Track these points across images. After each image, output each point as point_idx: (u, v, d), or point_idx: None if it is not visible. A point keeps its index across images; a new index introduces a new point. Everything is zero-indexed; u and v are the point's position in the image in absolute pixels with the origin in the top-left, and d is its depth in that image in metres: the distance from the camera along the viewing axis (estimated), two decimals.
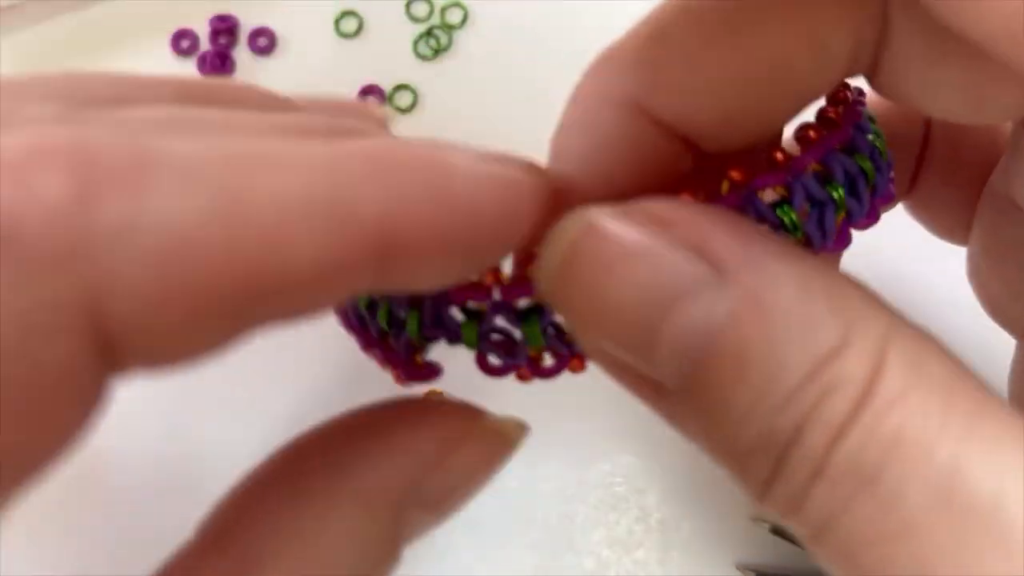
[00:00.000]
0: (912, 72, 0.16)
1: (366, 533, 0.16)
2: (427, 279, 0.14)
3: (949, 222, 0.22)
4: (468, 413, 0.18)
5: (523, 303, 0.16)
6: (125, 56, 0.31)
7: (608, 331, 0.14)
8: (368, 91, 0.31)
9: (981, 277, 0.20)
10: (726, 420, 0.13)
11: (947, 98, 0.16)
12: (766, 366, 0.13)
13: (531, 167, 0.15)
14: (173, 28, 0.31)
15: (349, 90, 0.31)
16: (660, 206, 0.14)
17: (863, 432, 0.13)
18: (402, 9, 0.31)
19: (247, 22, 0.31)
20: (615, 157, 0.17)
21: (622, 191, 0.15)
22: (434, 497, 0.17)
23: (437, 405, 0.17)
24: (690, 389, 0.13)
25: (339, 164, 0.12)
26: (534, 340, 0.16)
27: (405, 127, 0.30)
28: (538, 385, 0.30)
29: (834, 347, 0.13)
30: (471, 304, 0.16)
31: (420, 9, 0.31)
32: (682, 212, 0.14)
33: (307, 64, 0.31)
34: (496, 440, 0.18)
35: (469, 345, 0.16)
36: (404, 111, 0.30)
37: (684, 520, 0.27)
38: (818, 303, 0.13)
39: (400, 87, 0.31)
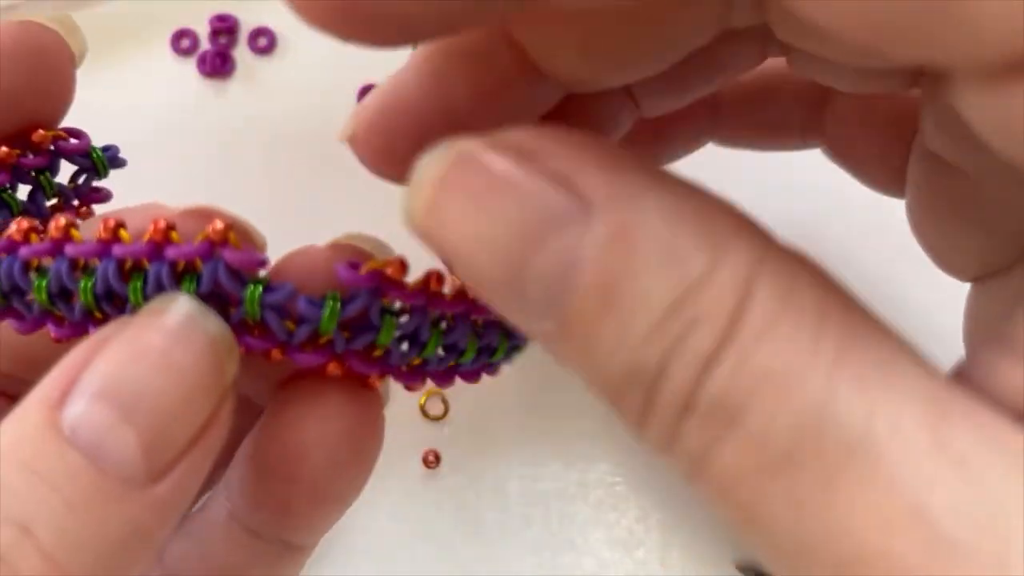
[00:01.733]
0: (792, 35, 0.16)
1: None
2: None
3: (879, 173, 0.22)
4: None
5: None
6: (125, 56, 0.31)
7: (481, 270, 0.13)
8: (368, 90, 0.31)
9: (921, 228, 0.20)
10: (597, 355, 0.13)
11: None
12: (630, 299, 0.13)
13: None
14: (173, 28, 0.31)
15: (349, 90, 0.31)
16: (529, 134, 0.13)
17: (730, 366, 0.12)
18: None
19: (247, 22, 0.31)
20: (483, 90, 0.16)
21: (489, 125, 0.14)
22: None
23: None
24: (561, 326, 0.13)
25: None
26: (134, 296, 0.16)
27: None
28: (539, 385, 0.30)
29: (698, 278, 0.13)
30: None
31: None
32: (550, 141, 0.13)
33: (307, 64, 0.31)
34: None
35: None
36: None
37: (684, 520, 0.27)
38: (686, 232, 0.13)
39: None
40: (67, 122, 0.30)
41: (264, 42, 0.31)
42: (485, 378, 0.20)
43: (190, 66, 0.31)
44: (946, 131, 0.17)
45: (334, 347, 0.17)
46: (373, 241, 0.19)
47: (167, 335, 0.15)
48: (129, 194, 0.29)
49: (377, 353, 0.17)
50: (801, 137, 0.24)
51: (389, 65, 0.32)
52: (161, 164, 0.30)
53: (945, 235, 0.20)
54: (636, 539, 0.27)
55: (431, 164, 0.14)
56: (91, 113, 0.30)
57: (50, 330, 0.17)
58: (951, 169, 0.18)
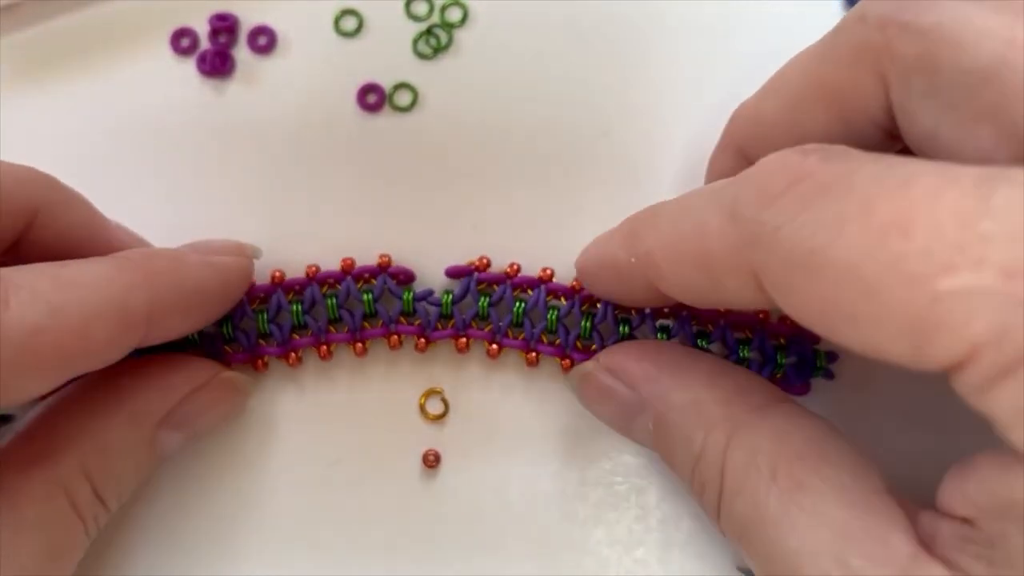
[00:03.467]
0: None
1: (133, 440, 0.24)
2: (176, 331, 0.24)
3: None
4: (212, 366, 0.26)
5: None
6: (125, 55, 0.31)
7: (610, 426, 0.26)
8: (368, 90, 0.31)
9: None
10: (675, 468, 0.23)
11: None
12: (673, 467, 0.23)
13: (239, 250, 0.26)
14: (173, 27, 0.31)
15: (349, 90, 0.30)
16: (615, 357, 0.25)
17: (724, 518, 0.21)
18: (402, 8, 0.31)
19: (247, 21, 0.31)
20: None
21: None
22: (182, 421, 0.25)
23: (188, 359, 0.26)
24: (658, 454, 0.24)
25: (121, 277, 0.22)
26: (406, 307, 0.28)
27: (405, 126, 0.30)
28: (539, 385, 0.30)
29: (698, 452, 0.21)
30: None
31: (420, 8, 0.31)
32: (627, 358, 0.24)
33: (307, 63, 0.31)
34: (229, 386, 0.26)
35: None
36: (404, 110, 0.30)
37: (684, 520, 0.27)
38: (691, 417, 0.22)
39: (400, 86, 0.31)
40: (65, 120, 0.30)
41: (264, 41, 0.31)
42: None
43: (190, 66, 0.31)
44: None
45: (457, 327, 0.27)
46: (231, 245, 0.27)
47: None
48: (129, 194, 0.29)
49: (488, 327, 0.27)
50: None
51: (389, 65, 0.32)
52: (161, 163, 0.30)
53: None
54: (636, 538, 0.27)
55: (574, 377, 0.26)
56: (91, 112, 0.30)
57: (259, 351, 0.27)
58: None
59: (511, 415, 0.28)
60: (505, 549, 0.27)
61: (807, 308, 0.17)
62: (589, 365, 0.25)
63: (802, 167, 0.17)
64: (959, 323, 0.14)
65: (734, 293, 0.19)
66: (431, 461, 0.27)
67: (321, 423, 0.28)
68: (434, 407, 0.28)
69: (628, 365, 0.24)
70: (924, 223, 0.15)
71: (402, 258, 0.28)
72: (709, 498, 0.21)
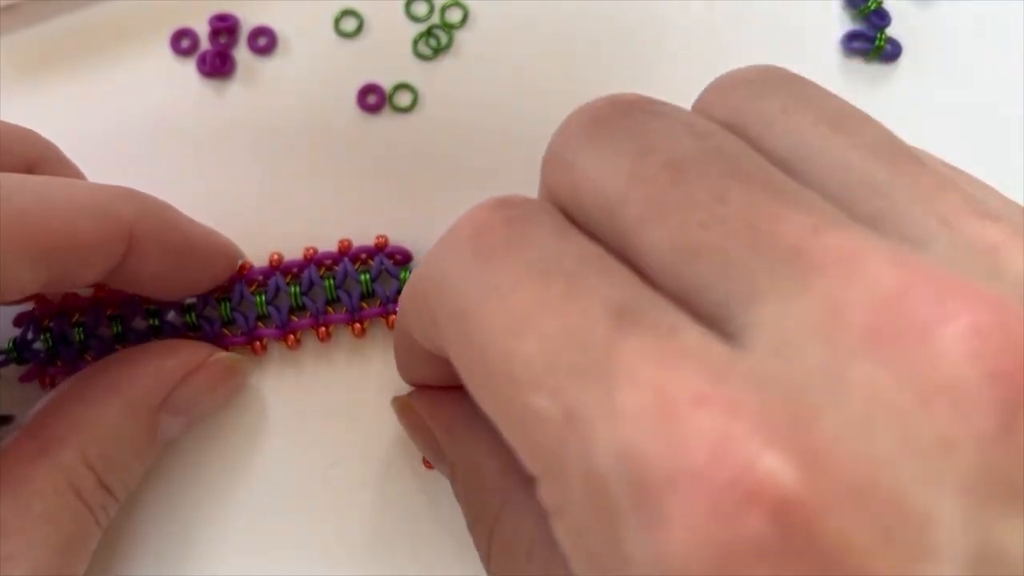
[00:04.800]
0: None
1: (132, 427, 0.24)
2: (157, 272, 0.24)
3: None
4: (206, 348, 0.26)
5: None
6: (125, 55, 0.31)
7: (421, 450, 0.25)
8: (368, 90, 0.31)
9: None
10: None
11: None
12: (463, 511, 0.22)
13: (231, 244, 0.27)
14: (173, 27, 0.31)
15: (349, 90, 0.30)
16: (420, 404, 0.24)
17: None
18: (402, 8, 0.31)
19: (247, 21, 0.31)
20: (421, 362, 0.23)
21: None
22: (180, 405, 0.25)
23: (182, 343, 0.26)
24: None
25: (110, 189, 0.23)
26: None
27: (405, 126, 0.30)
28: None
29: (474, 516, 0.21)
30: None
31: (420, 8, 0.31)
32: (430, 408, 0.24)
33: (307, 63, 0.31)
34: (225, 367, 0.26)
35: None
36: (404, 110, 0.30)
37: None
38: (475, 490, 0.21)
39: (400, 86, 0.31)
40: (65, 120, 0.30)
41: (264, 41, 0.31)
42: None
43: (190, 66, 0.31)
44: None
45: None
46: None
47: None
48: None
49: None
50: None
51: (389, 65, 0.32)
52: (160, 164, 0.30)
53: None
54: None
55: (393, 405, 0.26)
56: (90, 113, 0.30)
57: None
58: None
59: None
60: None
61: (456, 362, 0.16)
62: (406, 398, 0.25)
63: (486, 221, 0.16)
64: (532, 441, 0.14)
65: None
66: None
67: (321, 422, 0.28)
68: None
69: (434, 411, 0.23)
70: (536, 335, 0.14)
71: None
72: (483, 560, 0.21)
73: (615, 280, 0.14)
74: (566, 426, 0.13)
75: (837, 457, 0.11)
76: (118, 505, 0.24)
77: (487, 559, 0.20)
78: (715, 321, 0.13)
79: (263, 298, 0.27)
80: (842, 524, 0.11)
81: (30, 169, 0.24)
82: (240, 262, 0.27)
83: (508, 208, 0.16)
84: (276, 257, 0.28)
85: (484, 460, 0.21)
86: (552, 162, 0.17)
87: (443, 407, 0.23)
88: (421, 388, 0.24)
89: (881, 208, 0.14)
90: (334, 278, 0.27)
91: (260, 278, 0.27)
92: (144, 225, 0.23)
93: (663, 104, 0.16)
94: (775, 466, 0.11)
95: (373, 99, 0.30)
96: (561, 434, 0.13)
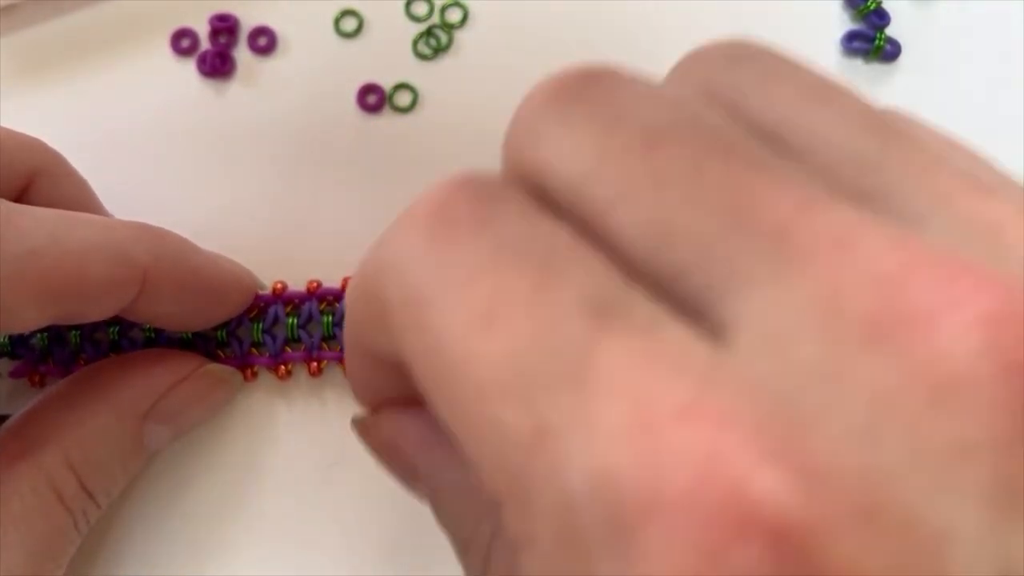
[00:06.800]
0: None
1: (117, 433, 0.23)
2: (169, 310, 0.24)
3: None
4: (195, 358, 0.26)
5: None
6: (125, 55, 0.31)
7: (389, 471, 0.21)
8: (368, 90, 0.31)
9: None
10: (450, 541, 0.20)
11: None
12: (446, 534, 0.19)
13: (247, 272, 0.27)
14: (173, 27, 0.31)
15: (349, 90, 0.30)
16: (387, 422, 0.20)
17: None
18: (402, 8, 0.31)
19: (247, 21, 0.31)
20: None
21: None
22: (166, 414, 0.25)
23: (171, 353, 0.26)
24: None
25: (126, 229, 0.22)
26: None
27: (405, 126, 0.30)
28: None
29: (466, 538, 0.19)
30: None
31: (420, 8, 0.31)
32: (399, 425, 0.20)
33: (307, 63, 0.31)
34: (213, 379, 0.26)
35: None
36: (404, 110, 0.30)
37: None
38: (464, 509, 0.19)
39: (400, 86, 0.31)
40: (65, 120, 0.30)
41: (264, 41, 0.31)
42: None
43: (190, 66, 0.31)
44: None
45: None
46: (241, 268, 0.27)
47: None
48: (129, 193, 0.29)
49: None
50: None
51: (389, 65, 0.32)
52: (160, 164, 0.30)
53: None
54: None
55: (354, 426, 0.21)
56: (90, 113, 0.30)
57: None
58: None
59: None
60: None
61: (410, 362, 0.13)
62: (368, 418, 0.21)
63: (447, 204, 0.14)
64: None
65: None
66: None
67: (320, 423, 0.28)
68: None
69: (404, 428, 0.20)
70: (503, 334, 0.12)
71: None
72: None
73: (589, 269, 0.12)
74: (535, 442, 0.11)
75: (840, 472, 0.10)
76: (100, 512, 0.24)
77: None
78: (697, 311, 0.11)
79: (260, 326, 0.27)
80: (850, 550, 0.09)
81: (32, 178, 0.24)
82: (258, 291, 0.27)
83: (475, 184, 0.14)
84: (279, 286, 0.27)
85: (472, 478, 0.19)
86: (515, 138, 0.16)
87: (415, 423, 0.20)
88: (386, 405, 0.21)
89: (872, 184, 0.12)
90: (334, 315, 0.27)
91: (260, 305, 0.27)
92: (158, 267, 0.22)
93: (635, 72, 0.15)
94: (770, 486, 0.09)
95: (373, 99, 0.30)
96: (529, 451, 0.11)
